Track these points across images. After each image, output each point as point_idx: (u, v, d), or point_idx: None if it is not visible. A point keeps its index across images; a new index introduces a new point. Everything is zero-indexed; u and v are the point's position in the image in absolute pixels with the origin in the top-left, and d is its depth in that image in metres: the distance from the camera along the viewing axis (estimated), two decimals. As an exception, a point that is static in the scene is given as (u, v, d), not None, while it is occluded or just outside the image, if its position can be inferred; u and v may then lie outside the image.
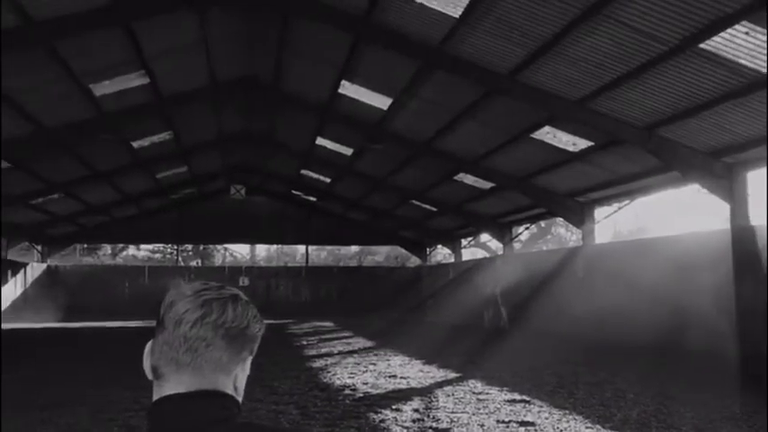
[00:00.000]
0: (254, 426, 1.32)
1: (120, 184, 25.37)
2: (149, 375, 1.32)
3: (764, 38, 8.79)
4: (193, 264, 46.37)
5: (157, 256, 50.44)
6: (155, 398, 1.28)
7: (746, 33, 8.86)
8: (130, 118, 17.80)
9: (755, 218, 11.87)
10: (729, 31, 8.86)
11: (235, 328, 1.34)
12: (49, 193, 23.26)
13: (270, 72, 17.56)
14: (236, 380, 1.38)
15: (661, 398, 9.49)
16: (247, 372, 1.44)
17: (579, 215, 18.03)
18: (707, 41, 9.21)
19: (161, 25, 13.31)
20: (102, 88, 15.45)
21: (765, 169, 11.63)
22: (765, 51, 8.96)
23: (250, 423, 1.32)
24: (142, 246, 46.76)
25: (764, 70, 9.32)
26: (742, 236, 11.67)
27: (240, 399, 1.39)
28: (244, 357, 1.38)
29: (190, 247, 50.43)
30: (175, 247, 41.85)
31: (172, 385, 1.31)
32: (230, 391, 1.36)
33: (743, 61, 9.38)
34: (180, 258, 45.11)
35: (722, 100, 10.40)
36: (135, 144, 20.66)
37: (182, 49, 15.11)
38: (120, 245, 45.91)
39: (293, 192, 32.78)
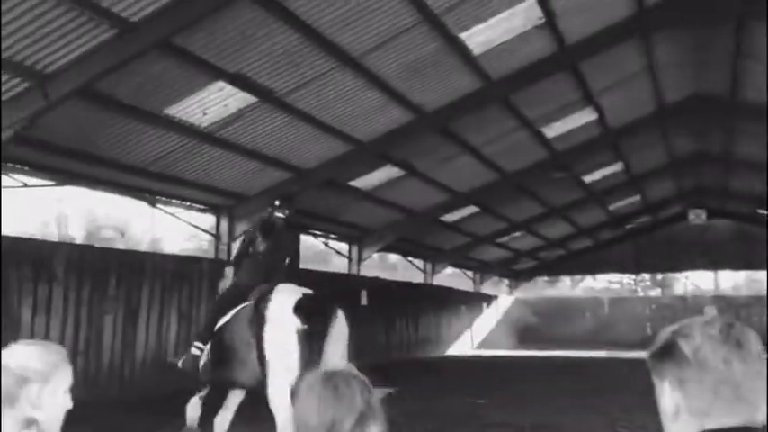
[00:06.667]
0: None
1: (575, 218, 26.38)
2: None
3: None
4: (652, 293, 44.78)
5: (615, 286, 50.13)
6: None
7: None
8: (580, 154, 18.53)
9: None
10: None
11: None
12: (512, 232, 25.44)
13: (723, 85, 16.30)
14: None
15: None
16: None
17: None
18: None
19: (605, 60, 13.62)
20: (552, 130, 16.48)
21: None
22: None
23: None
24: (599, 276, 47.12)
25: None
26: None
27: None
28: None
29: (647, 276, 48.99)
30: (632, 277, 41.14)
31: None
32: None
33: None
34: (638, 288, 44.22)
35: None
36: (586, 179, 21.32)
37: (627, 79, 15.21)
38: (578, 276, 47.03)
39: (758, 211, 29.25)
